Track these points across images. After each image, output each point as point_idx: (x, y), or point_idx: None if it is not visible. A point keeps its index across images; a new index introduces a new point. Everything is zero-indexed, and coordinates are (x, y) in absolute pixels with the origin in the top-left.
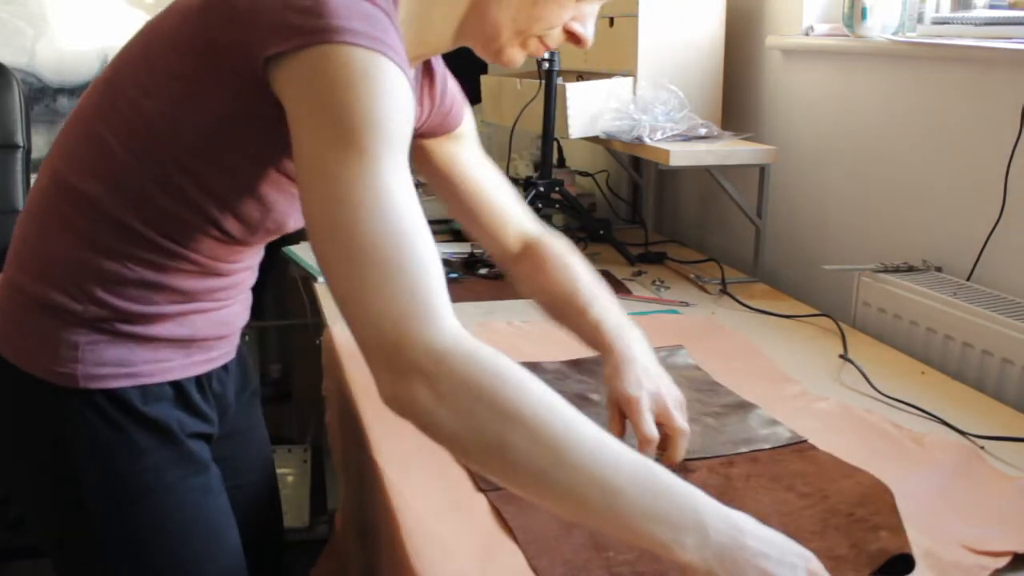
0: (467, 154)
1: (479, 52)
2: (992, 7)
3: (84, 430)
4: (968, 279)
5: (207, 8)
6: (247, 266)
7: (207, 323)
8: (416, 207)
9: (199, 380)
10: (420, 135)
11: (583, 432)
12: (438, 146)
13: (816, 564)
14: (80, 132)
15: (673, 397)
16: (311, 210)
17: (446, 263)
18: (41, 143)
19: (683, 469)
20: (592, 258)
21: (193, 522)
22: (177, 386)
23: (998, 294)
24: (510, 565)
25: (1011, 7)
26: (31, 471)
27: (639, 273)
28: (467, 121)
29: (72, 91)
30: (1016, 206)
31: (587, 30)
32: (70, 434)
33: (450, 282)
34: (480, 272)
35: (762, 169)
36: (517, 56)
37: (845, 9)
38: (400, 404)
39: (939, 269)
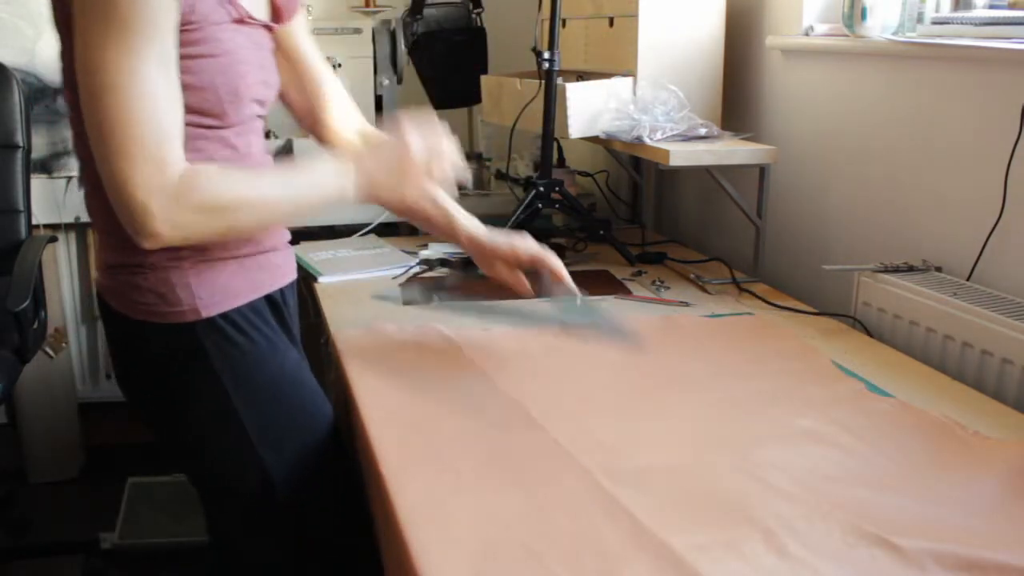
0: (297, 36)
1: None
2: (992, 7)
3: (217, 350)
4: (968, 279)
5: None
6: (261, 152)
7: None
8: (159, 89)
9: (282, 293)
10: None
11: (269, 178)
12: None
13: (413, 151)
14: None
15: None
16: (81, 95)
17: (445, 263)
18: (41, 143)
19: None
20: (592, 258)
21: (312, 395)
22: (270, 300)
23: (998, 294)
24: (511, 561)
25: (1011, 7)
26: (180, 397)
27: (639, 273)
28: (300, 15)
29: None
30: (1016, 206)
31: None
32: (208, 356)
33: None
34: (480, 272)
35: (762, 169)
36: None
37: (845, 9)
38: (157, 245)
39: (939, 269)
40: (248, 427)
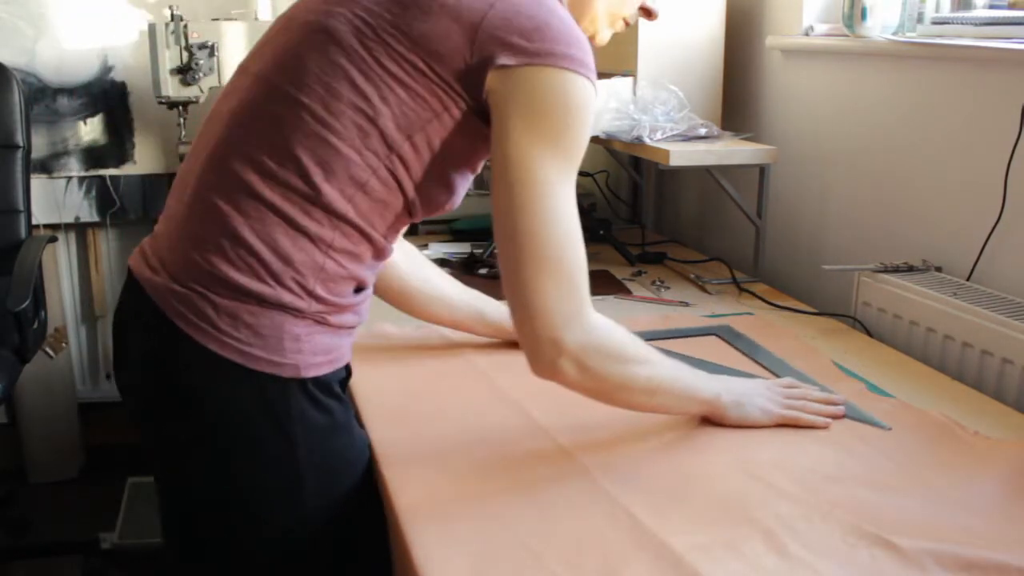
0: None
1: None
2: (992, 7)
3: (300, 414)
4: (968, 279)
5: (427, 12)
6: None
7: (367, 309)
8: (577, 216)
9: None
10: None
11: (670, 373)
12: None
13: (778, 387)
14: (283, 136)
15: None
16: (504, 204)
17: (445, 263)
18: (41, 143)
19: None
20: (592, 258)
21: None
22: (348, 368)
23: (998, 294)
24: (511, 561)
25: (1011, 7)
26: (250, 454)
27: (639, 273)
28: None
29: (72, 91)
30: (1016, 206)
31: (657, 5)
32: (290, 419)
33: None
34: (480, 272)
35: (762, 169)
36: (608, 36)
37: (845, 9)
38: (550, 376)
39: (939, 269)
40: (304, 492)
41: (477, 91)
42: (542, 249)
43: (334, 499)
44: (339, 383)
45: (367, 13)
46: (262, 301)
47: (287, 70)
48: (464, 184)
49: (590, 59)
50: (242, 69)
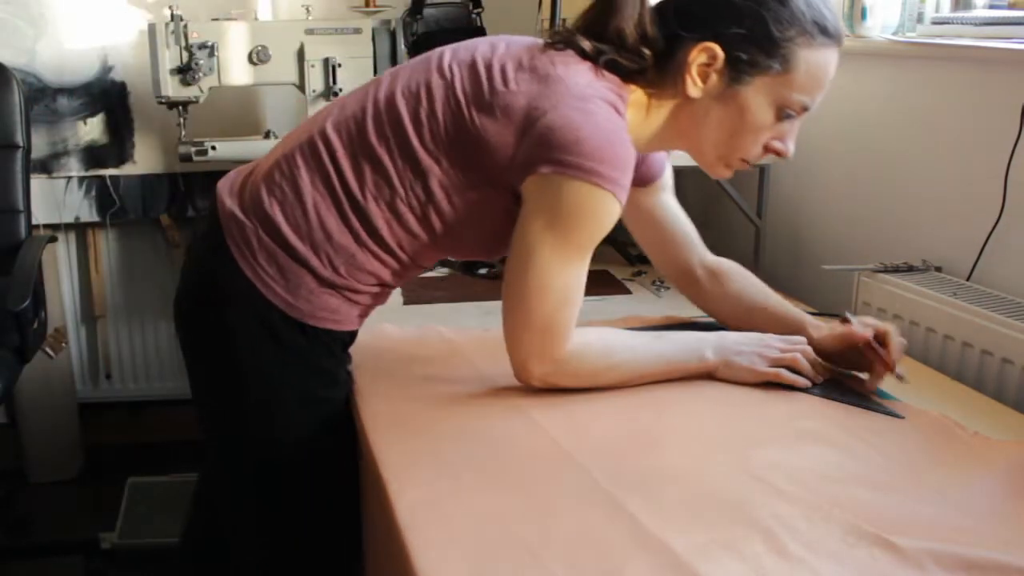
0: (664, 197)
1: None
2: (992, 7)
3: (294, 343)
4: (968, 279)
5: (487, 107)
6: None
7: (384, 297)
8: (581, 287)
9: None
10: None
11: (642, 346)
12: (642, 195)
13: (774, 342)
14: (367, 154)
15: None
16: (515, 275)
17: (446, 263)
18: (41, 143)
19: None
20: (592, 258)
21: (343, 433)
22: (352, 334)
23: (998, 294)
24: (511, 561)
25: (1011, 7)
26: (253, 359)
27: (639, 273)
28: (666, 174)
29: (72, 91)
30: (1016, 206)
31: (787, 146)
32: (284, 344)
33: (446, 281)
34: (480, 272)
35: (762, 169)
36: (724, 173)
37: (845, 9)
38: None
39: (939, 269)
40: (280, 411)
41: (516, 185)
42: (525, 311)
43: (308, 430)
44: (336, 341)
45: (460, 90)
46: (294, 255)
47: (391, 108)
48: (488, 244)
49: (618, 173)
50: (379, 81)
